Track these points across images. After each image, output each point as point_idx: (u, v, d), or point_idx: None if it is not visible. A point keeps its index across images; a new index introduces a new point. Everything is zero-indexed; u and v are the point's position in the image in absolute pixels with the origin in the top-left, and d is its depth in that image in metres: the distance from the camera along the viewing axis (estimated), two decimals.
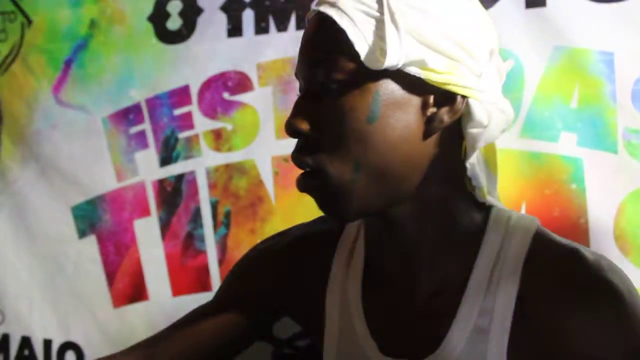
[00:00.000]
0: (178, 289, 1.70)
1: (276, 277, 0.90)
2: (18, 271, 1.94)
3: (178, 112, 1.69)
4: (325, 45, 0.65)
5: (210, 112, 1.64)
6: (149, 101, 1.73)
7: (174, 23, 1.67)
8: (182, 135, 1.69)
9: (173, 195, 1.71)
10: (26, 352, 1.95)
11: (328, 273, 0.83)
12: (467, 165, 0.69)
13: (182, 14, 1.66)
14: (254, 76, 1.57)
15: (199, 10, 1.64)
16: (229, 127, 1.61)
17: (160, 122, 1.72)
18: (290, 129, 0.68)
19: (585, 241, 1.24)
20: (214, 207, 1.64)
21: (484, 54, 0.67)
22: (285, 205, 1.53)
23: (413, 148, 0.66)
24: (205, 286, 1.66)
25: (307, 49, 0.68)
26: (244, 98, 1.59)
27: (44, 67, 1.86)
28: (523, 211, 1.33)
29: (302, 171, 0.71)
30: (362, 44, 0.63)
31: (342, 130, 0.65)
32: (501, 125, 0.71)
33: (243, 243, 1.58)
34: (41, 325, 1.91)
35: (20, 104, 1.91)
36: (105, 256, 1.82)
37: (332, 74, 0.65)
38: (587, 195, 1.27)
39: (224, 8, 1.60)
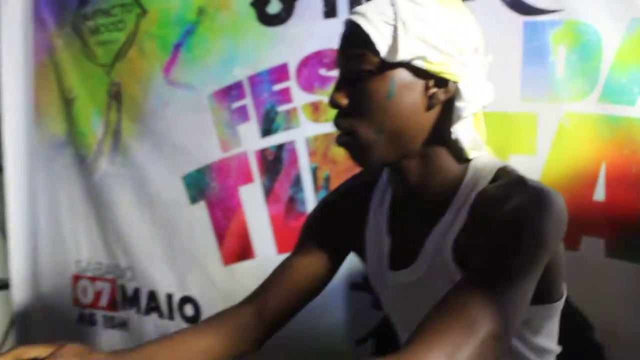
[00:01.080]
0: (283, 247, 1.90)
1: (339, 218, 1.14)
2: (142, 234, 2.19)
3: (277, 87, 1.86)
4: (357, 45, 0.89)
5: (308, 87, 1.80)
6: (251, 78, 1.91)
7: (274, 7, 1.83)
8: (282, 108, 1.86)
9: (274, 163, 1.90)
10: (153, 305, 2.21)
11: (368, 213, 1.08)
12: (452, 130, 0.92)
13: None
14: None
15: None
16: (325, 100, 1.77)
17: (260, 97, 1.90)
18: (333, 103, 0.93)
19: None
20: (314, 172, 1.82)
21: (470, 50, 0.90)
22: None
23: (418, 118, 0.91)
24: None
25: (344, 47, 0.93)
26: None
27: (156, 52, 2.08)
28: (603, 171, 1.44)
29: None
30: (382, 44, 0.87)
31: (369, 104, 0.90)
32: (482, 101, 0.94)
33: None
34: (163, 281, 2.16)
35: (136, 85, 2.14)
36: (214, 219, 2.03)
37: (362, 66, 0.89)
38: None
39: None
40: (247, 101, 1.92)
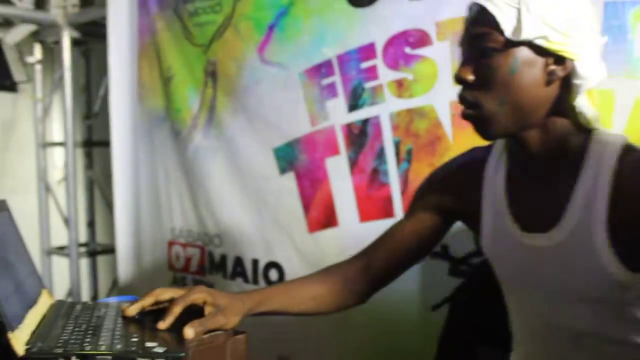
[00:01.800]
0: (365, 216, 2.01)
1: (452, 189, 1.23)
2: (231, 203, 2.35)
3: (365, 65, 1.97)
4: (483, 25, 0.99)
5: (393, 65, 1.91)
6: (340, 57, 2.03)
7: None
8: (368, 85, 1.97)
9: (360, 136, 2.01)
10: (238, 270, 2.37)
11: (482, 181, 1.17)
12: (575, 103, 0.99)
13: None
14: (432, 32, 1.81)
15: None
16: (409, 77, 1.87)
17: (348, 74, 2.02)
18: (459, 78, 1.03)
19: None
20: (397, 145, 1.92)
21: (586, 31, 0.97)
22: (462, 142, 1.77)
23: (538, 92, 0.99)
24: (388, 213, 1.95)
25: (470, 27, 1.02)
26: (424, 52, 1.84)
27: (251, 32, 2.23)
28: None
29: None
30: (507, 25, 0.96)
31: (493, 79, 0.99)
32: (596, 79, 1.00)
33: (422, 175, 1.84)
34: (250, 247, 2.32)
35: (231, 64, 2.30)
36: (302, 189, 2.17)
37: (488, 44, 0.98)
38: None
39: None
40: (336, 78, 2.04)
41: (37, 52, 3.38)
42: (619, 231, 0.97)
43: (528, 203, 1.08)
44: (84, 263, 3.59)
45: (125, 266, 2.79)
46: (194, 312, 1.01)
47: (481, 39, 0.99)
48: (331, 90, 2.05)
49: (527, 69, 0.97)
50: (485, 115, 1.00)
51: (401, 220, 1.29)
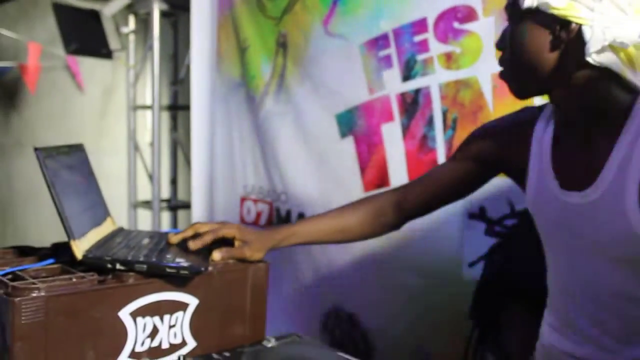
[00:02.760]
0: (414, 178, 2.18)
1: (502, 143, 1.30)
2: (297, 164, 2.57)
3: (417, 39, 2.12)
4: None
5: (443, 38, 2.05)
6: (395, 31, 2.18)
7: None
8: (420, 57, 2.13)
9: (412, 105, 2.17)
10: None
11: (530, 140, 1.23)
12: (590, 59, 1.02)
13: None
14: (479, 8, 1.94)
15: None
16: (457, 50, 2.01)
17: (402, 47, 2.17)
18: (496, 44, 1.16)
19: None
20: (444, 114, 2.07)
21: None
22: (501, 112, 1.88)
23: (543, 55, 1.06)
24: None
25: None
26: (470, 27, 1.97)
27: (317, 7, 2.42)
28: None
29: None
30: None
31: (511, 44, 1.10)
32: (607, 40, 1.01)
33: None
34: (311, 204, 2.53)
35: (299, 35, 2.50)
36: (359, 152, 2.36)
37: (510, 14, 1.09)
38: None
39: None
40: (392, 50, 2.20)
41: (131, 23, 3.71)
42: None
43: (569, 163, 1.14)
44: (165, 216, 3.94)
45: (200, 220, 3.08)
46: (225, 244, 1.23)
47: (508, 10, 1.12)
48: (387, 61, 2.22)
49: (534, 36, 1.06)
50: (508, 75, 1.13)
51: (444, 163, 1.41)
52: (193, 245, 1.17)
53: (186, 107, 3.54)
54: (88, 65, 4.04)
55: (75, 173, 1.18)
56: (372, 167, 2.33)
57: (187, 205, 3.75)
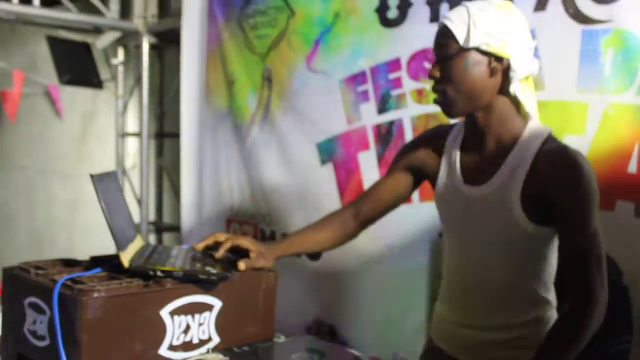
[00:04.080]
0: None
1: (422, 152, 1.61)
2: (281, 188, 2.80)
3: (392, 76, 2.39)
4: (445, 37, 1.38)
5: (415, 76, 2.32)
6: (372, 69, 2.44)
7: (392, 13, 2.36)
8: (394, 92, 2.38)
9: (386, 135, 2.43)
10: None
11: (443, 148, 1.54)
12: (510, 89, 1.37)
13: (398, 7, 2.34)
14: None
15: (409, 4, 2.31)
16: (427, 86, 2.27)
17: (378, 83, 2.43)
18: (431, 75, 1.41)
19: None
20: None
21: (517, 38, 1.37)
22: None
23: (484, 82, 1.37)
24: (407, 199, 2.35)
25: (437, 38, 1.41)
26: None
27: (301, 45, 2.67)
28: (636, 149, 1.83)
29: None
30: (460, 36, 1.35)
31: (452, 74, 1.37)
32: (528, 71, 1.38)
33: None
34: (294, 225, 2.74)
35: (284, 70, 2.75)
36: (338, 178, 2.60)
37: (448, 50, 1.36)
38: None
39: (428, 2, 2.26)
40: (369, 86, 2.46)
41: (120, 55, 3.91)
42: (528, 193, 1.36)
43: (473, 165, 1.47)
44: (152, 238, 4.12)
45: (188, 240, 3.27)
46: (239, 253, 1.46)
47: (443, 47, 1.39)
48: (364, 96, 2.48)
49: (475, 66, 1.37)
50: (448, 101, 1.41)
51: (382, 177, 1.72)
52: (217, 254, 1.41)
53: (172, 135, 3.76)
54: (68, 93, 4.21)
55: (114, 196, 1.39)
56: (349, 191, 2.56)
57: (172, 228, 3.94)
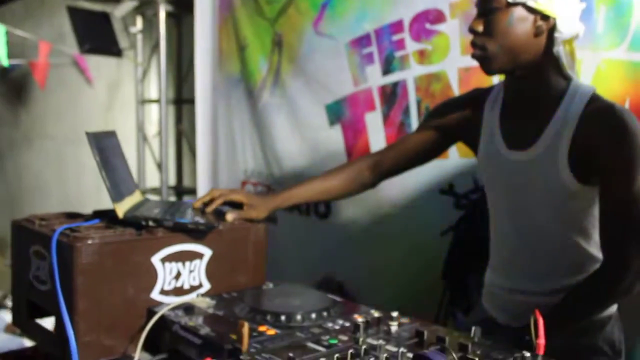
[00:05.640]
0: None
1: (459, 115, 1.62)
2: (292, 150, 2.87)
3: (395, 38, 2.42)
4: None
5: (417, 38, 2.35)
6: (376, 31, 2.48)
7: None
8: (398, 54, 2.42)
9: (391, 96, 2.48)
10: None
11: (482, 112, 1.55)
12: (554, 51, 1.36)
13: None
14: (447, 12, 2.24)
15: None
16: (429, 47, 2.31)
17: (383, 45, 2.47)
18: (472, 29, 1.41)
19: None
20: (418, 104, 2.38)
21: None
22: None
23: (528, 40, 1.35)
24: None
25: None
26: (440, 27, 2.27)
27: (308, 10, 2.71)
28: (627, 104, 1.86)
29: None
30: None
31: (495, 29, 1.36)
32: (572, 32, 1.37)
33: None
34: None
35: (293, 35, 2.80)
36: (346, 138, 2.66)
37: (493, 4, 1.35)
38: None
39: None
40: (373, 48, 2.50)
41: (139, 23, 4.01)
42: (574, 154, 1.35)
43: (515, 129, 1.47)
44: None
45: None
46: (235, 207, 1.54)
47: (489, 2, 1.37)
48: (369, 58, 2.52)
49: (520, 23, 1.35)
50: (489, 56, 1.39)
51: (412, 132, 1.74)
52: (209, 209, 1.49)
53: (190, 101, 3.85)
54: (94, 62, 4.33)
55: (112, 153, 1.48)
56: (357, 151, 2.62)
57: (192, 191, 4.06)
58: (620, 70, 1.85)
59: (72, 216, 1.48)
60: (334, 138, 2.69)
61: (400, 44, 2.41)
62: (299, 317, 1.23)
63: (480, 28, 1.38)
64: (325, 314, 1.26)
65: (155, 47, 3.84)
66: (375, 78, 2.51)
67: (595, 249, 1.42)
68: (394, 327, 1.23)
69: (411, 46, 2.37)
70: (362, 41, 2.54)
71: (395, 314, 1.28)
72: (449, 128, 1.63)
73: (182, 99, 4.21)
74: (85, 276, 1.23)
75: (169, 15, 3.79)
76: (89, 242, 1.24)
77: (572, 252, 1.43)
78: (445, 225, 2.33)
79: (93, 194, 5.31)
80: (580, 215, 1.41)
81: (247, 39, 3.04)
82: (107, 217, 1.42)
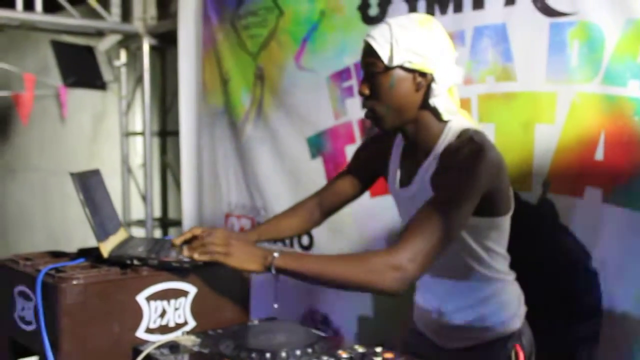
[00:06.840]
0: (374, 192, 2.49)
1: (374, 154, 1.73)
2: (274, 182, 2.90)
3: None
4: (370, 56, 1.44)
5: None
6: (356, 65, 2.52)
7: (374, 10, 2.44)
8: None
9: (370, 129, 2.51)
10: None
11: (391, 154, 1.64)
12: (431, 102, 1.44)
13: (379, 4, 2.42)
14: None
15: (389, 2, 2.39)
16: None
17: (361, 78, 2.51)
18: (360, 92, 1.49)
19: None
20: None
21: (438, 53, 1.42)
22: None
23: (410, 97, 1.45)
24: None
25: (364, 56, 1.47)
26: None
27: (289, 44, 2.76)
28: (602, 137, 1.89)
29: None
30: (384, 55, 1.41)
31: (380, 92, 1.44)
32: (450, 82, 1.45)
33: None
34: None
35: (274, 69, 2.84)
36: (327, 170, 2.69)
37: (374, 69, 1.43)
38: None
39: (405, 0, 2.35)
40: (353, 82, 2.55)
41: (123, 56, 4.04)
42: (433, 182, 1.46)
43: (405, 169, 1.59)
44: (157, 233, 4.24)
45: None
46: None
47: (370, 65, 1.46)
48: (349, 91, 2.57)
49: (401, 83, 1.43)
50: (378, 117, 1.49)
51: (343, 171, 1.84)
52: (187, 253, 1.46)
53: (174, 133, 3.87)
54: (78, 94, 4.35)
55: (96, 192, 1.50)
56: None
57: (177, 223, 4.06)
58: (595, 103, 1.89)
59: (57, 255, 1.49)
60: (315, 170, 2.73)
61: None
62: (283, 354, 1.24)
63: (367, 92, 1.47)
64: (310, 350, 1.28)
65: (139, 80, 3.87)
66: (355, 111, 2.56)
67: (490, 271, 1.55)
68: None
69: None
70: (342, 75, 2.59)
71: (379, 349, 1.30)
72: (370, 164, 1.75)
73: (166, 131, 4.23)
74: (71, 317, 1.24)
75: (152, 48, 3.83)
76: (74, 282, 1.25)
77: (469, 274, 1.55)
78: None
79: (79, 225, 5.28)
80: (469, 241, 1.50)
81: (230, 72, 3.08)
82: (92, 255, 1.44)
